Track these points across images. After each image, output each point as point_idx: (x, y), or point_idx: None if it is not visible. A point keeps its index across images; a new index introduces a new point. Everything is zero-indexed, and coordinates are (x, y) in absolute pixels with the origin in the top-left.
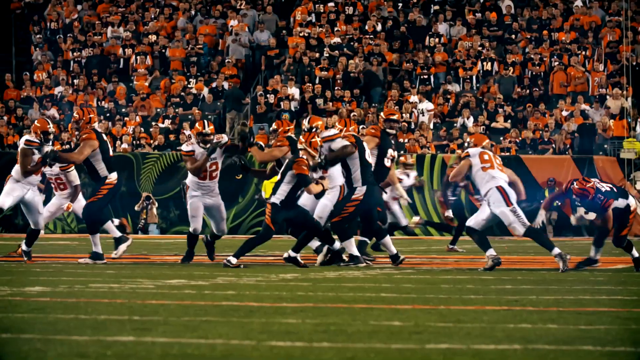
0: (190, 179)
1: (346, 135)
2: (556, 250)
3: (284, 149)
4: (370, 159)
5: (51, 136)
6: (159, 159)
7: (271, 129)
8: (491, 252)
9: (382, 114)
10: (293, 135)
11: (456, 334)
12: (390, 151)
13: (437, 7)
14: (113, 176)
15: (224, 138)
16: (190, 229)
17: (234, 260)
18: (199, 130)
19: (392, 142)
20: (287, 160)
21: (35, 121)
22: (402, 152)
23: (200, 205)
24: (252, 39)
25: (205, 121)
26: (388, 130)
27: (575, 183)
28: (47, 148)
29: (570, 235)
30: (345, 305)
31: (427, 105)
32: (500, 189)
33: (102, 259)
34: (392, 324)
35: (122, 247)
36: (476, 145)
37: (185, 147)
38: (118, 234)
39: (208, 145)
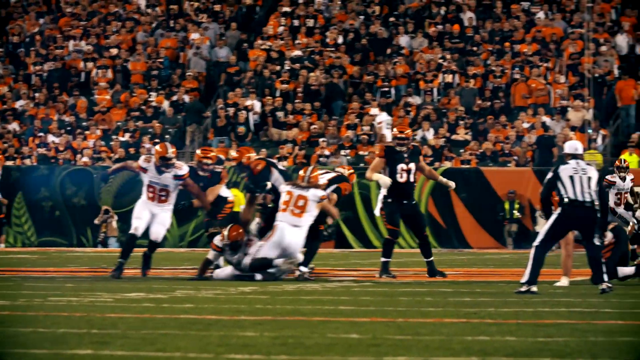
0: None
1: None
2: None
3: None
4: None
5: None
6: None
7: (234, 161)
8: None
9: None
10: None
11: (414, 346)
12: (401, 166)
13: (398, 20)
14: None
15: (184, 169)
16: (132, 229)
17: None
18: (161, 154)
19: (405, 156)
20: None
21: None
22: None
23: (146, 210)
24: (210, 57)
25: (168, 144)
26: (398, 148)
27: None
28: None
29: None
30: (304, 318)
31: (384, 117)
32: None
33: None
34: (350, 336)
35: None
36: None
37: (141, 162)
38: None
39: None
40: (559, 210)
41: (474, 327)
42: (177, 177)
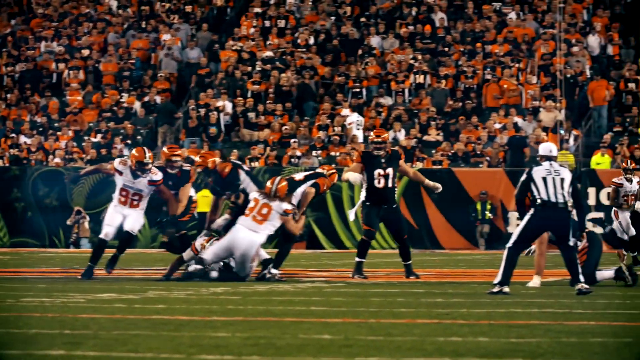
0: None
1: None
2: None
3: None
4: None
5: None
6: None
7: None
8: None
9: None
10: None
11: (386, 347)
12: (378, 171)
13: (369, 21)
14: None
15: (159, 175)
16: (102, 234)
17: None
18: (138, 159)
19: (382, 161)
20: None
21: None
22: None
23: (118, 214)
24: (182, 58)
25: (145, 149)
26: (375, 152)
27: None
28: None
29: (502, 249)
30: (275, 318)
31: (355, 118)
32: None
33: None
34: (321, 337)
35: None
36: None
37: (116, 165)
38: None
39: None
40: (531, 211)
41: (446, 327)
42: (151, 183)
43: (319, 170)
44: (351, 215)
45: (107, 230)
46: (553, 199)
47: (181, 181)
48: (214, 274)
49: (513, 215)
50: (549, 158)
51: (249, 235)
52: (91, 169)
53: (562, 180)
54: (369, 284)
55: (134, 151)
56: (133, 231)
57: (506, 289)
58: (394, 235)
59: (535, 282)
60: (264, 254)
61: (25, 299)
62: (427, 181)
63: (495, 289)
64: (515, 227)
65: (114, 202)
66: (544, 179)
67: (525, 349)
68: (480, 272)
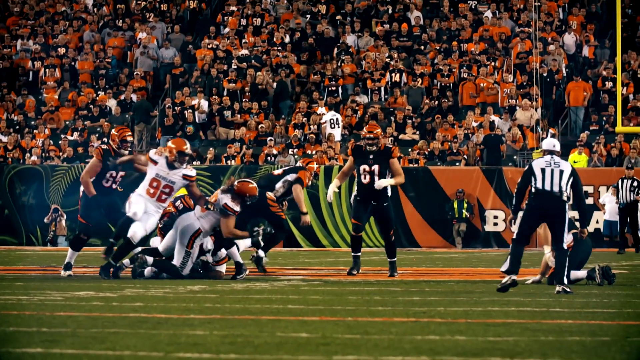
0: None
1: None
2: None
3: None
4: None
5: None
6: (67, 172)
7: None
8: None
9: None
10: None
11: (364, 345)
12: (364, 167)
13: (345, 19)
14: None
15: (194, 170)
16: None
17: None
18: (179, 149)
19: (370, 157)
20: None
21: None
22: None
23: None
24: (158, 56)
25: (185, 140)
26: (368, 148)
27: None
28: None
29: (479, 247)
30: (253, 317)
31: (332, 115)
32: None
33: None
34: (299, 335)
35: None
36: None
37: (152, 154)
38: None
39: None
40: (528, 200)
41: (424, 326)
42: (186, 177)
43: (298, 164)
44: (329, 196)
45: (136, 230)
46: (548, 188)
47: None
48: (148, 271)
49: (490, 213)
50: (552, 152)
51: (192, 219)
52: (126, 159)
53: (562, 172)
54: (346, 282)
55: (171, 142)
56: (133, 239)
57: (514, 276)
58: (380, 232)
59: (536, 279)
60: (210, 245)
61: (2, 297)
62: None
63: (504, 279)
64: (493, 225)
65: (141, 192)
66: (543, 170)
67: (503, 347)
68: (458, 271)
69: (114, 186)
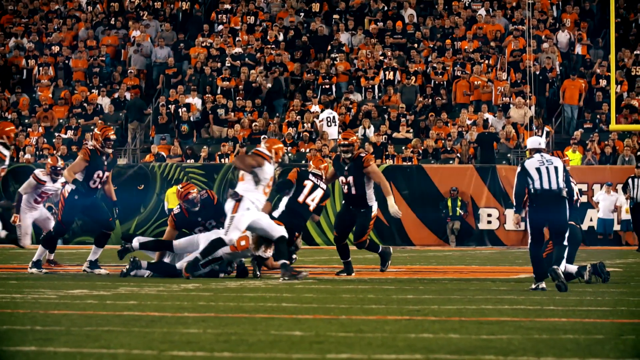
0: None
1: None
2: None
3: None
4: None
5: None
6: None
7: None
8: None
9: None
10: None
11: (357, 343)
12: (341, 178)
13: (338, 17)
14: None
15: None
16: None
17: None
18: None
19: (345, 169)
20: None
21: None
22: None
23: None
24: (151, 55)
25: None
26: (342, 155)
27: None
28: None
29: (473, 245)
30: (247, 315)
31: (329, 114)
32: None
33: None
34: (293, 333)
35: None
36: None
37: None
38: None
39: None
40: (529, 204)
41: (417, 324)
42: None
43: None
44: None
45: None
46: (547, 187)
47: (112, 164)
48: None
49: (484, 211)
50: (539, 150)
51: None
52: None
53: (556, 168)
54: (339, 281)
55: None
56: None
57: (542, 284)
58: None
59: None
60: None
61: None
62: (390, 201)
63: (533, 286)
64: (487, 223)
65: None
66: (538, 169)
67: (497, 345)
68: (451, 269)
69: (99, 187)
